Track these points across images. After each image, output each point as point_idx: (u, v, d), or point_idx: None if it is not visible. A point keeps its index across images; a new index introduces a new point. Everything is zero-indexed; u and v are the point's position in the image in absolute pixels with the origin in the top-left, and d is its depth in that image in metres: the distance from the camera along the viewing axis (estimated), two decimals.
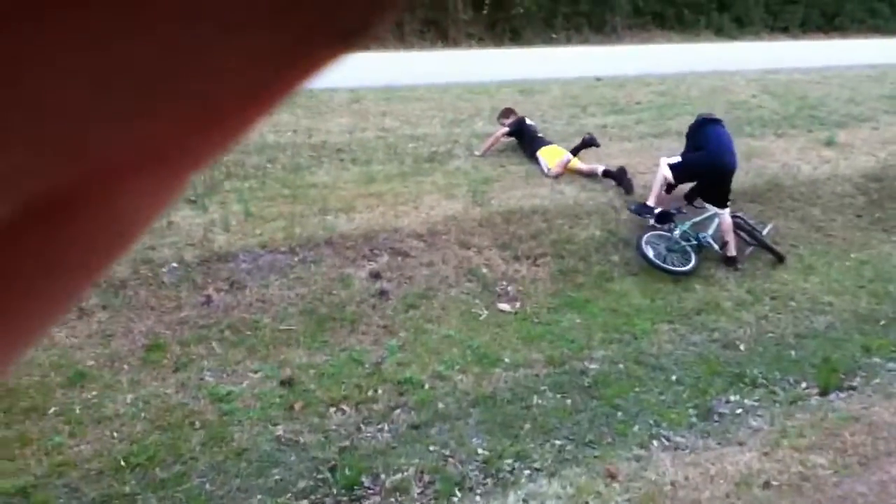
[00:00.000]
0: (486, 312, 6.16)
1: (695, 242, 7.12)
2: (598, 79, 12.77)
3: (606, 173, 8.11)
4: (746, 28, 27.13)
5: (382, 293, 6.12)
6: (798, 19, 28.66)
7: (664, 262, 6.92)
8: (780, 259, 7.33)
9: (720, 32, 26.39)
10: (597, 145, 7.99)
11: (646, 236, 7.06)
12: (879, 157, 9.37)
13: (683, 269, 6.92)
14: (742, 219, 7.50)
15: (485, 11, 24.31)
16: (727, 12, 27.30)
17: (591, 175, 8.16)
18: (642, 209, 7.36)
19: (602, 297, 6.55)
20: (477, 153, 8.64)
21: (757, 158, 8.99)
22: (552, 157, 8.18)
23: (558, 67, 13.92)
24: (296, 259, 6.26)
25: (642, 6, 24.79)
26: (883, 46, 20.45)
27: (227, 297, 5.86)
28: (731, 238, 7.15)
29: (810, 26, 28.48)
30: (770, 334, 6.24)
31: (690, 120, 10.30)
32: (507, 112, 8.91)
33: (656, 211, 7.44)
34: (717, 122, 7.65)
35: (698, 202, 7.53)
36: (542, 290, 6.56)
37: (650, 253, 6.91)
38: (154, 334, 5.47)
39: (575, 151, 7.92)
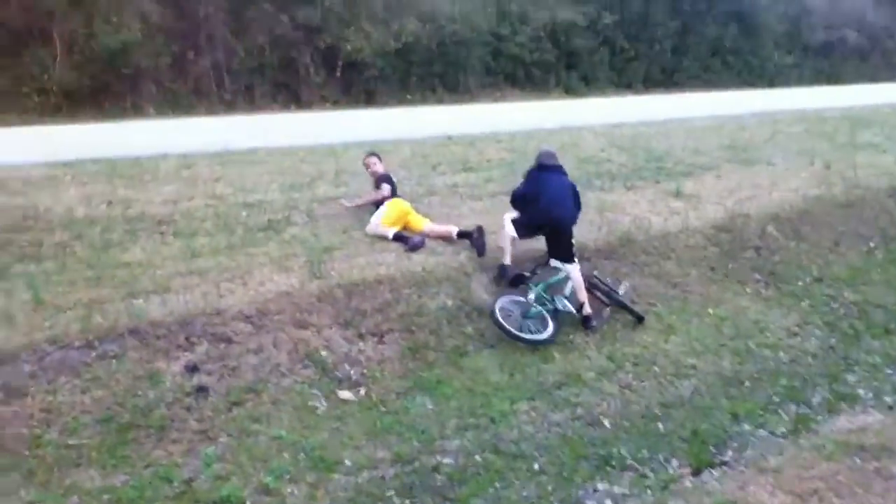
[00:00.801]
0: (325, 404, 5.38)
1: (551, 307, 6.66)
2: (450, 137, 12.44)
3: (462, 234, 7.59)
4: (593, 85, 28.14)
5: (200, 390, 5.22)
6: (640, 76, 30.09)
7: (520, 330, 6.40)
8: (639, 320, 7.00)
9: (569, 91, 27.19)
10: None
11: (499, 302, 6.53)
12: (727, 205, 9.39)
13: (541, 336, 6.42)
14: (598, 278, 7.14)
15: (338, 74, 23.91)
16: (575, 70, 28.24)
17: (445, 238, 7.62)
18: (503, 271, 7.04)
19: (456, 376, 5.92)
20: (346, 203, 8.18)
21: (609, 212, 8.77)
22: (393, 212, 7.67)
23: (411, 127, 13.53)
24: (93, 355, 5.26)
25: (494, 67, 25.17)
26: (717, 99, 21.60)
27: (1, 408, 4.77)
28: (584, 297, 6.74)
29: (651, 82, 29.94)
30: (635, 406, 5.80)
31: None
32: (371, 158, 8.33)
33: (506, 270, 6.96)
34: (554, 168, 7.41)
35: (552, 261, 7.12)
36: (389, 372, 5.86)
37: (505, 321, 6.37)
38: None
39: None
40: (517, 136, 12.59)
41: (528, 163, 10.31)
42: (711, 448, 5.35)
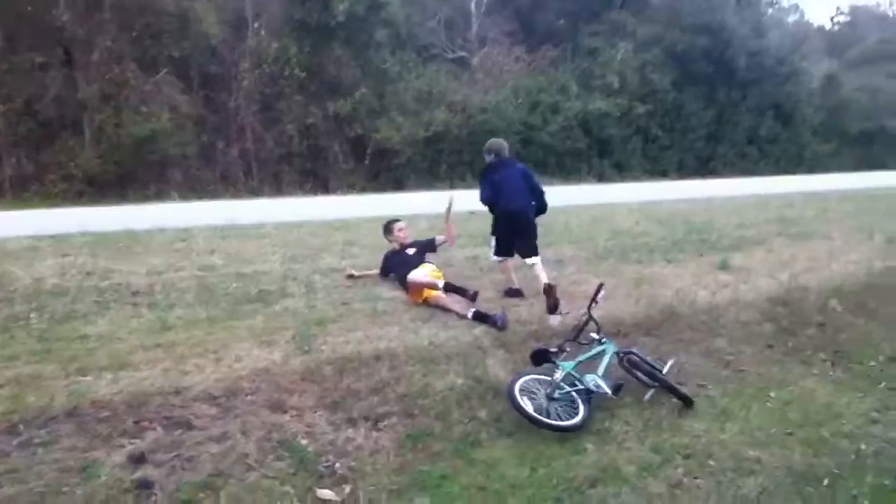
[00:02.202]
0: None
1: (582, 388, 5.56)
2: (472, 212, 11.63)
3: (478, 316, 6.64)
4: (626, 173, 27.51)
5: (143, 486, 4.18)
6: (674, 164, 29.46)
7: (545, 414, 5.30)
8: (687, 403, 5.85)
9: (602, 178, 26.56)
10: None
11: (519, 382, 5.46)
12: (781, 279, 8.30)
13: (570, 422, 5.30)
14: (637, 356, 6.04)
15: (366, 162, 23.63)
16: (607, 158, 27.72)
17: (459, 315, 6.69)
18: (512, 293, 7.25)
19: (465, 471, 4.81)
20: (354, 273, 7.67)
21: (647, 285, 7.74)
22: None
23: (433, 205, 12.76)
24: (14, 442, 4.29)
25: (524, 154, 24.71)
26: (756, 183, 20.64)
27: None
28: (543, 277, 6.93)
29: (686, 170, 29.26)
30: None
31: (568, 249, 9.18)
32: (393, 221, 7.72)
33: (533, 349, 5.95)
34: (502, 163, 7.23)
35: (584, 335, 6.07)
36: (383, 465, 4.77)
37: (527, 405, 5.29)
38: None
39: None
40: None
41: (556, 235, 9.45)
42: None
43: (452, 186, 21.82)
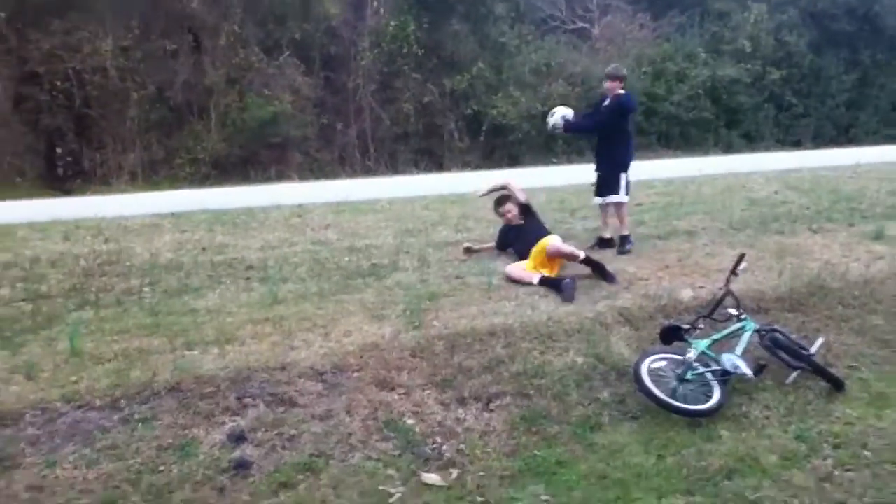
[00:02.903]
0: (402, 489, 4.01)
1: (718, 368, 5.01)
2: (593, 184, 11.06)
3: (590, 262, 6.39)
4: (756, 143, 25.81)
5: (240, 466, 4.02)
6: (810, 133, 27.38)
7: (675, 398, 4.80)
8: (838, 386, 5.17)
9: (729, 149, 25.02)
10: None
11: (647, 362, 4.97)
12: None
13: (703, 407, 4.77)
14: (782, 333, 5.40)
15: (482, 138, 23.26)
16: (736, 128, 26.10)
17: (568, 258, 6.45)
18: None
19: (584, 457, 4.39)
20: (473, 246, 7.31)
21: (791, 257, 6.99)
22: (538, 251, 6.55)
23: (552, 179, 12.29)
24: (116, 418, 4.22)
25: (647, 127, 23.58)
26: None
27: None
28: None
29: (823, 139, 27.14)
30: None
31: (700, 220, 8.50)
32: (504, 199, 7.17)
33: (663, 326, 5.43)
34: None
35: (720, 311, 5.49)
36: (494, 449, 4.43)
37: (655, 387, 4.80)
38: None
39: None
40: (674, 182, 11.02)
41: (688, 206, 8.78)
42: None
43: (569, 162, 21.15)
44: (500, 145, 23.40)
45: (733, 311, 5.48)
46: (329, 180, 17.40)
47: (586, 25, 27.82)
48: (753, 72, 25.81)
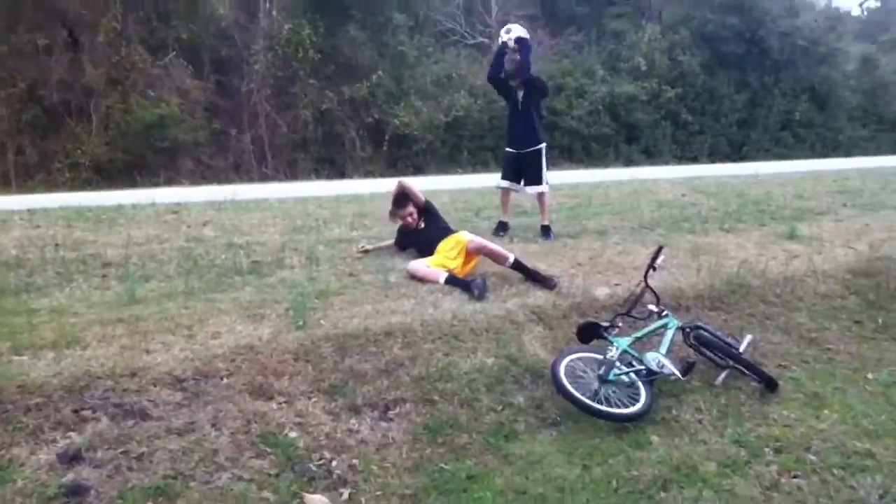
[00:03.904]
0: None
1: (642, 368, 4.47)
2: (499, 187, 10.57)
3: (519, 267, 5.69)
4: (655, 159, 26.24)
5: (75, 492, 3.16)
6: (706, 150, 28.10)
7: (599, 401, 4.22)
8: (771, 386, 4.73)
9: (630, 164, 25.33)
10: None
11: (566, 362, 4.39)
12: (859, 249, 7.13)
13: (630, 410, 4.22)
14: (707, 331, 4.94)
15: (384, 148, 22.62)
16: (636, 144, 26.49)
17: (496, 259, 5.77)
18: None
19: (499, 470, 3.75)
20: (367, 246, 6.55)
21: (706, 255, 6.62)
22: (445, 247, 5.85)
23: (452, 184, 11.75)
24: None
25: (549, 140, 23.53)
26: (797, 166, 19.34)
27: None
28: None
29: (718, 156, 27.91)
30: None
31: (610, 220, 8.10)
32: (402, 200, 6.36)
33: (580, 323, 4.88)
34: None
35: (639, 308, 4.98)
36: (393, 464, 3.72)
37: (575, 388, 4.21)
38: None
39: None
40: (580, 186, 10.66)
41: (597, 207, 8.40)
42: None
43: (474, 172, 20.76)
44: (404, 155, 22.85)
45: (653, 308, 4.99)
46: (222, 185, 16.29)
47: (486, 40, 27.71)
48: (650, 89, 26.30)
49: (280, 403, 3.96)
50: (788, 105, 30.33)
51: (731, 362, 4.78)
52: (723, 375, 4.72)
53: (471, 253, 5.78)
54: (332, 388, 4.15)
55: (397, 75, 22.67)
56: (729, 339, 5.04)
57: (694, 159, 26.89)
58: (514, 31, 7.12)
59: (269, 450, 3.63)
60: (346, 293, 5.29)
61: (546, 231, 7.24)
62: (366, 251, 6.41)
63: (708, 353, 4.85)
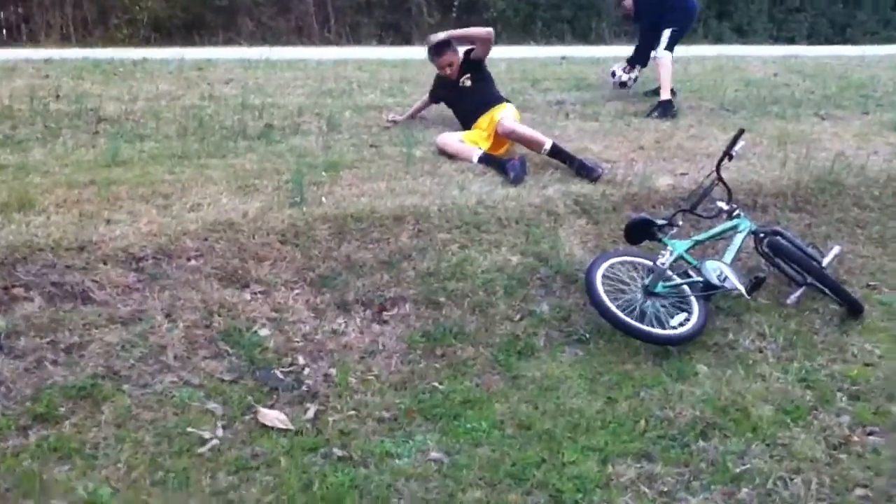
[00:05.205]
0: (218, 435, 2.68)
1: (699, 280, 3.67)
2: (564, 58, 9.51)
3: (558, 153, 4.81)
4: (748, 38, 24.07)
5: None
6: (805, 29, 25.59)
7: (639, 317, 3.47)
8: (855, 311, 3.88)
9: (719, 41, 23.30)
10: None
11: (605, 266, 3.62)
12: None
13: (677, 331, 3.46)
14: (785, 237, 4.05)
15: (453, 14, 21.28)
16: (727, 20, 24.28)
17: (532, 146, 4.87)
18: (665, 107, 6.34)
19: (504, 394, 3.09)
20: (397, 118, 5.77)
21: (795, 145, 5.60)
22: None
23: (519, 52, 10.65)
24: None
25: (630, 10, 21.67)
26: None
27: None
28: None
29: (818, 37, 25.47)
30: (864, 485, 2.74)
31: (686, 99, 7.06)
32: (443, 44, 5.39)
33: (630, 219, 4.06)
34: None
35: (706, 205, 4.12)
36: (378, 377, 3.11)
37: (613, 301, 3.46)
38: None
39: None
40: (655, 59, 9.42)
41: (673, 82, 7.33)
42: None
43: (548, 45, 19.30)
44: (474, 23, 21.41)
45: (723, 206, 4.11)
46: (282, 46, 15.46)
47: None
48: None
49: (255, 294, 3.35)
50: None
51: (809, 278, 3.92)
52: (797, 293, 3.88)
53: (499, 136, 4.94)
54: (320, 278, 3.51)
55: None
56: (811, 250, 4.15)
57: (791, 40, 24.57)
58: None
59: (229, 349, 3.05)
60: (361, 167, 4.57)
61: (658, 106, 6.45)
62: (394, 122, 5.63)
63: (783, 264, 3.99)
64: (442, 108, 5.64)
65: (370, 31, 20.80)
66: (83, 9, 18.37)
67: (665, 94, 6.43)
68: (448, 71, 5.33)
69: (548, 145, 4.81)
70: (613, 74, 7.01)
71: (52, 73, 6.71)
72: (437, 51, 5.34)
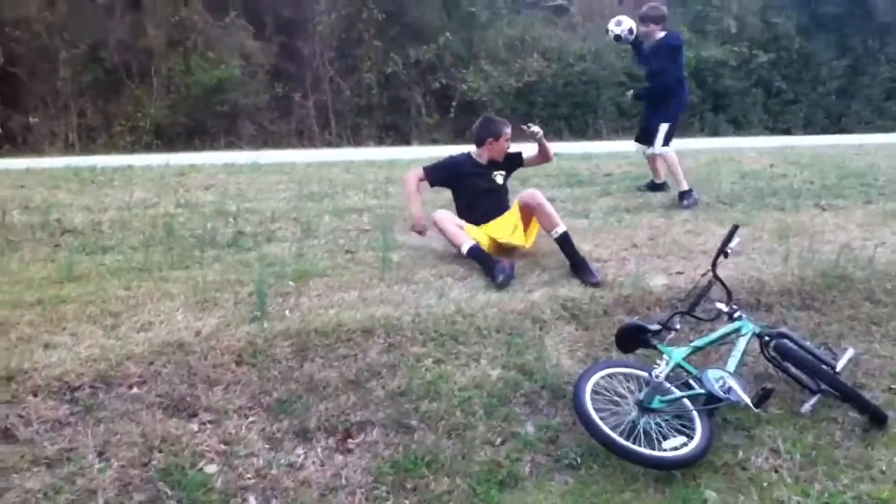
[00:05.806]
0: None
1: (700, 392, 3.30)
2: (555, 154, 9.38)
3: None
4: (744, 130, 24.32)
5: None
6: (801, 120, 25.92)
7: (635, 438, 3.10)
8: (878, 421, 3.49)
9: (716, 134, 23.53)
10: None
11: (595, 379, 3.28)
12: None
13: (678, 453, 3.07)
14: (792, 340, 3.70)
15: (452, 114, 21.60)
16: (723, 113, 24.59)
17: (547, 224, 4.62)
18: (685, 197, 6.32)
19: None
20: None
21: (797, 238, 5.31)
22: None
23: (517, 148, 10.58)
24: None
25: (628, 108, 21.95)
26: None
27: None
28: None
29: (814, 128, 25.73)
30: None
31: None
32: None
33: (623, 323, 3.73)
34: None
35: (704, 306, 3.79)
36: None
37: (604, 419, 3.10)
38: None
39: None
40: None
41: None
42: None
43: (548, 140, 19.39)
44: (472, 122, 21.58)
45: (723, 307, 3.79)
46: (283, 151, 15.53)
47: (563, 2, 26.17)
48: (740, 54, 24.28)
49: (203, 424, 3.00)
50: (894, 72, 27.69)
51: (823, 385, 3.55)
52: (812, 402, 3.50)
53: (523, 209, 4.65)
54: (278, 403, 3.16)
55: (467, 38, 21.53)
56: (822, 352, 3.79)
57: (787, 131, 24.85)
58: (624, 24, 6.62)
59: (169, 491, 2.68)
60: (333, 275, 4.29)
61: (681, 196, 6.41)
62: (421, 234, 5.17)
63: (793, 370, 3.63)
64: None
65: (370, 132, 21.07)
66: (87, 117, 18.75)
67: (682, 186, 6.36)
68: (504, 146, 5.03)
69: (561, 229, 4.52)
70: (607, 32, 6.84)
71: (29, 182, 6.57)
72: (508, 126, 5.08)
